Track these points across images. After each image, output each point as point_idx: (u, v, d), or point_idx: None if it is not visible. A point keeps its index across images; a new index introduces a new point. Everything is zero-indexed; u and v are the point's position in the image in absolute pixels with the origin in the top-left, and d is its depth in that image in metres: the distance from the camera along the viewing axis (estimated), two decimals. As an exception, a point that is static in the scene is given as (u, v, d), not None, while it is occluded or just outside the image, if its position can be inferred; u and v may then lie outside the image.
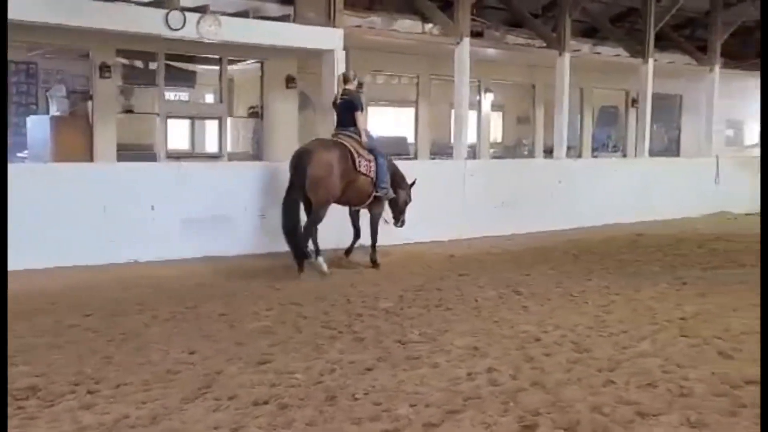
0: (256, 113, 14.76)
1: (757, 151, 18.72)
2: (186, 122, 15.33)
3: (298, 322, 6.74)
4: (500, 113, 19.73)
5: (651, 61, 16.21)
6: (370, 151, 9.41)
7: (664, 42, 17.98)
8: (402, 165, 10.42)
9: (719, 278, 9.18)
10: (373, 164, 9.35)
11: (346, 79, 9.56)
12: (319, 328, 6.53)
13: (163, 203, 9.54)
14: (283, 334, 6.34)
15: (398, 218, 10.19)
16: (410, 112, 17.31)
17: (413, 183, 10.26)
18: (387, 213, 10.12)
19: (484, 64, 15.96)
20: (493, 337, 6.30)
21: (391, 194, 9.78)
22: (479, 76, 16.81)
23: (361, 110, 9.51)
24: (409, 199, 10.20)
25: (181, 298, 7.60)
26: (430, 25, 14.48)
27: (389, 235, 10.30)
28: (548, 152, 17.09)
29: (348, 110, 9.40)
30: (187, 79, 15.03)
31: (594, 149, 19.99)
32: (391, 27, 14.30)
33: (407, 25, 14.48)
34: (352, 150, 9.17)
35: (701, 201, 15.73)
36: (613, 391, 4.96)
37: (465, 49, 13.40)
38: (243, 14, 12.07)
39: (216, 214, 9.87)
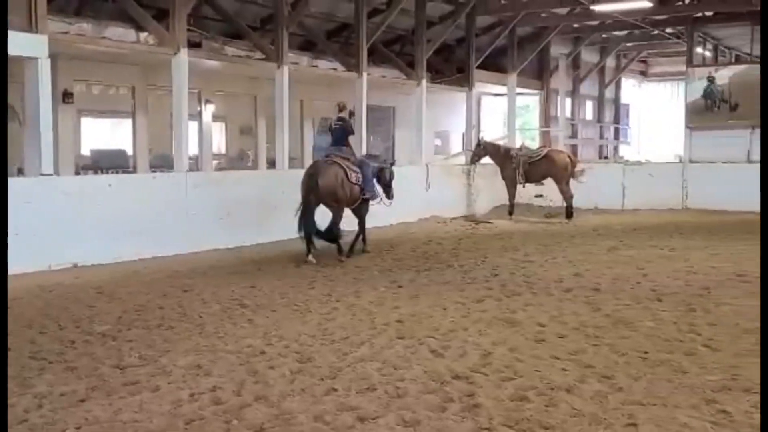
0: (-51, 125, 13.29)
1: (461, 159, 20.35)
2: None
3: None
4: (223, 124, 19.55)
5: (365, 74, 16.96)
6: (358, 164, 11.86)
7: (376, 57, 18.94)
8: (118, 178, 10.01)
9: (431, 279, 9.84)
10: (360, 175, 11.74)
11: (341, 108, 12.19)
12: (26, 360, 6.02)
13: None
14: (-18, 370, 5.75)
15: (388, 193, 12.74)
16: (128, 123, 16.60)
17: (393, 162, 13.36)
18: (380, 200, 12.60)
19: (205, 74, 15.74)
20: (218, 354, 6.21)
21: (377, 196, 12.34)
22: (199, 87, 16.56)
23: (353, 134, 12.32)
24: (393, 175, 12.84)
25: None
26: (145, 34, 13.96)
27: (97, 253, 9.88)
28: (271, 163, 17.24)
29: (342, 133, 11.92)
30: None
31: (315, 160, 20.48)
32: (101, 34, 13.56)
33: (120, 33, 13.81)
34: (344, 166, 11.53)
35: (415, 206, 16.76)
36: (334, 398, 5.11)
37: (183, 59, 13.08)
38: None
39: None
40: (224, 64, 15.80)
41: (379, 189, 12.48)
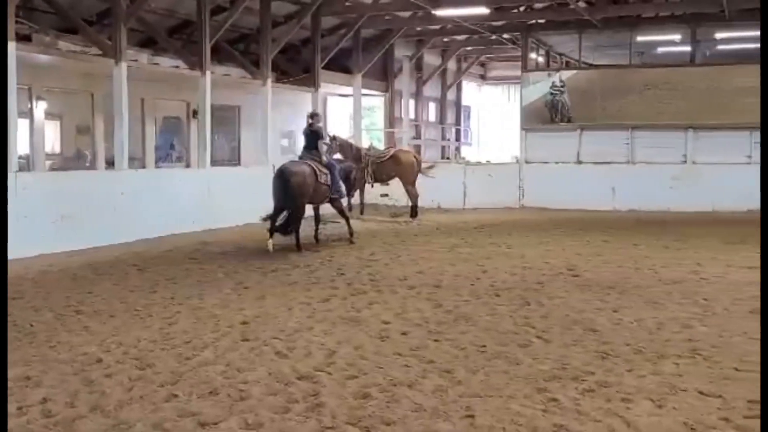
0: None
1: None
2: None
3: None
4: (57, 122, 18.55)
5: (208, 73, 16.61)
6: (327, 166, 13.06)
7: (221, 55, 18.59)
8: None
9: (277, 279, 9.79)
10: (329, 176, 12.96)
11: (313, 116, 13.70)
12: None
13: None
14: None
15: (349, 192, 14.56)
16: (-51, 120, 15.43)
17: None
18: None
19: (36, 70, 14.91)
20: (49, 364, 5.92)
21: (344, 194, 13.81)
22: (30, 83, 15.64)
23: (323, 139, 13.50)
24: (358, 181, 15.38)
25: None
26: (-33, 25, 13.04)
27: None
28: (110, 163, 16.55)
29: (314, 138, 13.19)
30: None
31: (157, 160, 19.88)
32: None
33: (-62, 23, 12.83)
34: (315, 168, 12.70)
35: (261, 207, 16.54)
36: (175, 404, 5.00)
37: (10, 53, 12.30)
38: None
39: None
40: (58, 60, 15.02)
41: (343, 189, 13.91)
